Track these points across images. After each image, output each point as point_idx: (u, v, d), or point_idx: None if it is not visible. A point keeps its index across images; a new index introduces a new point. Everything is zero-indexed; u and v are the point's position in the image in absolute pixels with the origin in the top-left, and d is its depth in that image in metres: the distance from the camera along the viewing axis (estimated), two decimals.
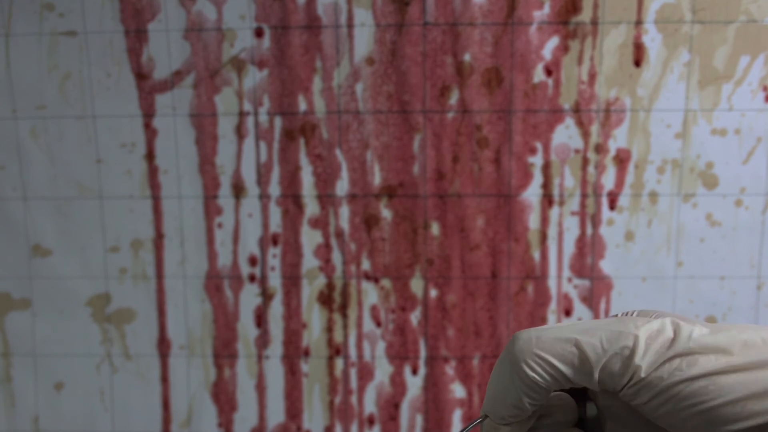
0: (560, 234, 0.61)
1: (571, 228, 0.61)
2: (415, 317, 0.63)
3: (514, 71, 0.59)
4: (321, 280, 0.63)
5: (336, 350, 0.64)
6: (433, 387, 0.63)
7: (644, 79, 0.59)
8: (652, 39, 0.58)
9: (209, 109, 0.61)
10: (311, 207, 0.62)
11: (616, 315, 0.27)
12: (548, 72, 0.59)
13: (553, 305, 0.62)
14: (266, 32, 0.60)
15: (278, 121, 0.61)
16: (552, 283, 0.62)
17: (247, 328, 0.64)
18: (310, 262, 0.63)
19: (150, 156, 0.62)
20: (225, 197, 0.62)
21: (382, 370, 0.64)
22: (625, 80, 0.59)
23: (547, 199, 0.61)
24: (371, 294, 0.63)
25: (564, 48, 0.59)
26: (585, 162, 0.60)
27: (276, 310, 0.63)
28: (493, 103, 0.60)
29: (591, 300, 0.62)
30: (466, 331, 0.63)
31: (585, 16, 0.58)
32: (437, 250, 0.62)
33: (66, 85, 0.61)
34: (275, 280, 0.63)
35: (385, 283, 0.63)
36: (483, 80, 0.59)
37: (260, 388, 0.64)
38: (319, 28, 0.59)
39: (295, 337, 0.64)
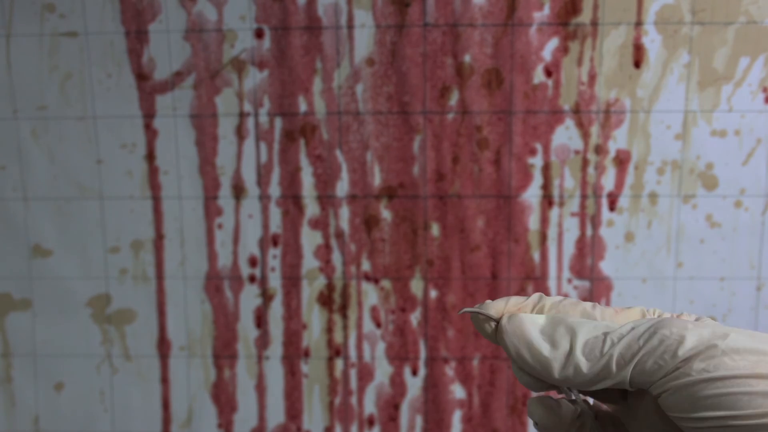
0: (560, 235, 0.61)
1: (571, 229, 0.61)
2: (415, 318, 0.63)
3: (514, 72, 0.59)
4: (321, 281, 0.63)
5: (336, 351, 0.64)
6: (433, 388, 0.63)
7: (644, 80, 0.59)
8: (652, 40, 0.58)
9: (209, 110, 0.61)
10: (311, 208, 0.62)
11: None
12: (548, 73, 0.59)
13: None
14: (266, 33, 0.60)
15: (278, 122, 0.61)
16: (552, 284, 0.62)
17: (247, 329, 0.64)
18: (310, 262, 0.63)
19: (150, 157, 0.62)
20: (225, 198, 0.62)
21: (382, 371, 0.64)
22: (625, 81, 0.59)
23: (547, 200, 0.61)
24: (371, 295, 0.63)
25: (564, 49, 0.59)
26: (585, 163, 0.60)
27: (276, 310, 0.63)
28: (493, 104, 0.60)
29: (591, 301, 0.62)
30: (466, 332, 0.63)
31: (585, 17, 0.58)
32: (437, 251, 0.62)
33: (67, 85, 0.61)
34: (275, 281, 0.63)
35: (385, 283, 0.63)
36: (483, 81, 0.60)
37: (260, 389, 0.64)
38: (319, 29, 0.59)
39: (295, 338, 0.64)
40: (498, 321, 0.26)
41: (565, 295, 0.62)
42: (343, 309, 0.63)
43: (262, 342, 0.64)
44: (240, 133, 0.61)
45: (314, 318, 0.63)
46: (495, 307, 0.26)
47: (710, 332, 0.23)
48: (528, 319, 0.25)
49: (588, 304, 0.26)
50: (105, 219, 0.63)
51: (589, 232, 0.61)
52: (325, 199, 0.62)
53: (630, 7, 0.58)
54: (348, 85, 0.60)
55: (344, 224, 0.62)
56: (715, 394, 0.22)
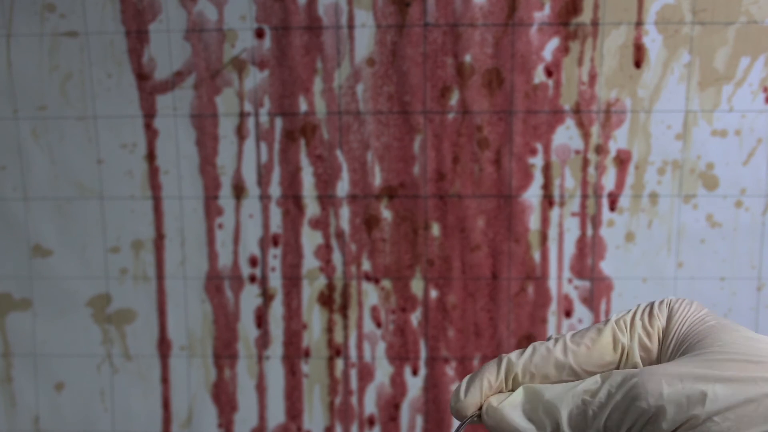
0: (560, 235, 0.61)
1: (572, 229, 0.61)
2: (415, 318, 0.63)
3: (515, 72, 0.59)
4: (321, 281, 0.63)
5: (336, 351, 0.64)
6: (434, 388, 0.63)
7: (645, 80, 0.59)
8: (653, 40, 0.58)
9: (210, 110, 0.61)
10: (312, 208, 0.62)
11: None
12: (549, 73, 0.59)
13: (553, 306, 0.62)
14: (267, 33, 0.60)
15: (279, 122, 0.61)
16: (552, 284, 0.62)
17: (247, 329, 0.64)
18: (310, 262, 0.63)
19: (151, 156, 0.62)
20: (225, 198, 0.62)
21: (383, 371, 0.64)
22: (626, 81, 0.59)
23: (548, 200, 0.61)
24: (371, 295, 0.63)
25: (564, 49, 0.59)
26: (585, 163, 0.60)
27: (276, 310, 0.63)
28: (493, 104, 0.60)
29: (591, 301, 0.62)
30: (467, 331, 0.63)
31: (585, 17, 0.58)
32: (438, 250, 0.62)
33: (67, 85, 0.61)
34: (276, 281, 0.63)
35: (386, 283, 0.63)
36: (483, 81, 0.60)
37: (260, 389, 0.64)
38: (319, 28, 0.59)
39: (295, 338, 0.64)
40: (479, 414, 0.26)
41: (566, 297, 0.62)
42: (344, 309, 0.63)
43: (263, 342, 0.64)
44: (240, 133, 0.61)
45: (314, 318, 0.63)
46: (472, 403, 0.27)
47: (687, 397, 0.23)
48: (507, 407, 0.26)
49: (559, 352, 0.26)
50: (105, 219, 0.63)
51: (589, 232, 0.61)
52: (326, 199, 0.62)
53: (630, 6, 0.58)
54: (348, 84, 0.60)
55: (344, 224, 0.62)
56: None
